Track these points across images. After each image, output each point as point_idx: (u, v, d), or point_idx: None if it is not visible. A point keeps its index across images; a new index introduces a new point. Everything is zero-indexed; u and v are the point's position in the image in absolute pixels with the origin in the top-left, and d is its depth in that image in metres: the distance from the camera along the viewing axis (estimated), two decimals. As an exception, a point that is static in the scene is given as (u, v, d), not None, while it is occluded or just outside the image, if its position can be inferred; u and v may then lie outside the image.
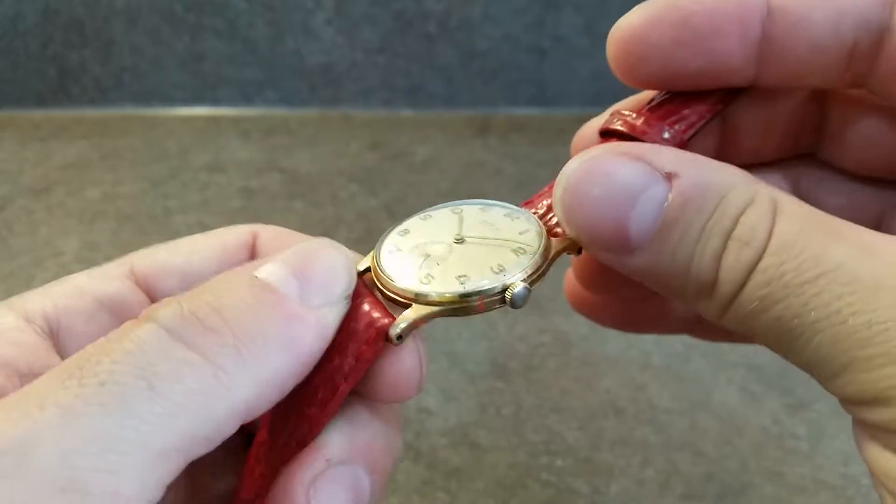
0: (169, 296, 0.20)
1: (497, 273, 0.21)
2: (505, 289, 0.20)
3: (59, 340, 0.21)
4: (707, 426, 0.45)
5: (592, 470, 0.42)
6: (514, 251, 0.21)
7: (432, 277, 0.21)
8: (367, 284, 0.22)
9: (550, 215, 0.23)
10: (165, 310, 0.17)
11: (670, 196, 0.19)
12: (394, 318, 0.20)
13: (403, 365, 0.22)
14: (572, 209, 0.20)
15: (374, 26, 0.87)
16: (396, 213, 0.68)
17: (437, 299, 0.20)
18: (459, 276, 0.21)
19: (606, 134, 0.24)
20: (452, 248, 0.22)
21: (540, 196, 0.24)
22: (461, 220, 0.23)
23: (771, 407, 0.47)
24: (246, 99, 0.89)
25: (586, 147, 0.22)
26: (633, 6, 0.24)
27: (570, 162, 0.20)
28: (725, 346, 0.50)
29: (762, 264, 0.18)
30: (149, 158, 0.78)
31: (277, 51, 0.88)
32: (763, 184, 0.19)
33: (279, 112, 0.89)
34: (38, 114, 0.88)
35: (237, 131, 0.84)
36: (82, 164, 0.77)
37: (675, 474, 0.42)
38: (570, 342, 0.51)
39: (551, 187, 0.22)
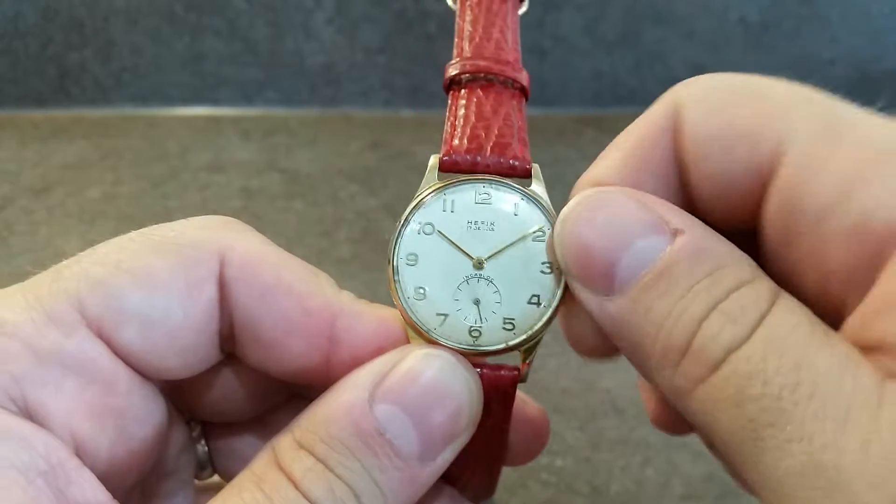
0: (128, 348, 0.20)
1: (537, 305, 0.21)
2: (553, 312, 0.21)
3: (35, 420, 0.19)
4: (707, 426, 0.45)
5: (592, 470, 0.42)
6: (535, 252, 0.21)
7: (479, 332, 0.21)
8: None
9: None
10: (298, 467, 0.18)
11: (668, 248, 0.18)
12: (515, 373, 0.21)
13: (537, 428, 0.24)
14: (572, 230, 0.19)
15: (374, 26, 0.87)
16: (396, 213, 0.68)
17: (494, 350, 0.21)
18: (505, 323, 0.21)
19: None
20: (479, 279, 0.21)
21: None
22: (462, 228, 0.22)
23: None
24: (246, 99, 0.89)
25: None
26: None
27: (585, 191, 0.20)
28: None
29: (745, 350, 0.16)
30: (149, 158, 0.78)
31: (277, 51, 0.88)
32: (767, 277, 0.18)
33: (279, 112, 0.89)
34: (38, 114, 0.87)
35: (237, 131, 0.84)
36: (82, 164, 0.77)
37: (675, 474, 0.42)
38: (570, 342, 0.51)
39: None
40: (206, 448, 0.25)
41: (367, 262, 0.61)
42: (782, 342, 0.16)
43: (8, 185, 0.73)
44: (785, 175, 0.18)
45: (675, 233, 0.18)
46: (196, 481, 0.25)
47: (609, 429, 0.45)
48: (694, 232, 0.18)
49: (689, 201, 0.20)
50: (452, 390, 0.20)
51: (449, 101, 0.23)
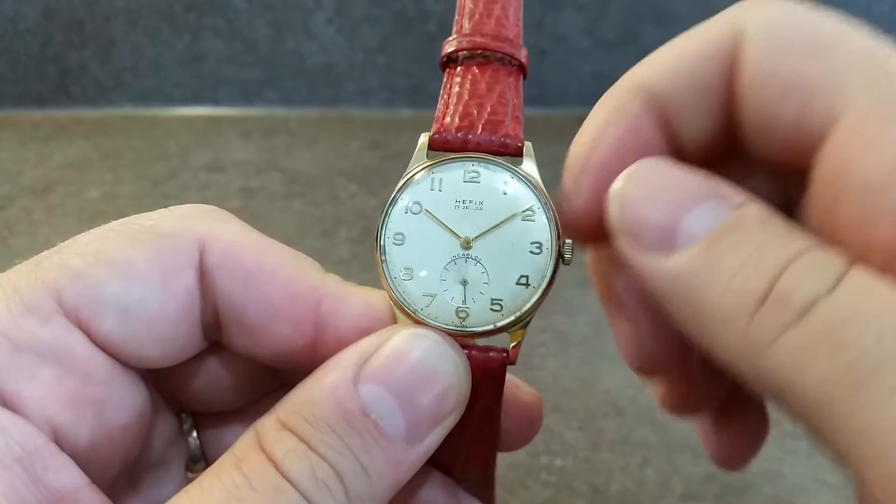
0: (106, 337, 0.20)
1: (525, 286, 0.21)
2: (542, 294, 0.20)
3: (10, 408, 0.19)
4: (707, 426, 0.45)
5: (592, 470, 0.42)
6: (525, 232, 0.21)
7: (467, 313, 0.21)
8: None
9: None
10: (281, 450, 0.18)
11: (737, 211, 0.17)
12: (504, 355, 0.21)
13: (529, 410, 0.23)
14: (631, 190, 0.18)
15: (374, 26, 0.87)
16: (396, 213, 0.68)
17: (481, 331, 0.21)
18: (493, 304, 0.21)
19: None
20: (466, 259, 0.21)
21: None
22: (450, 207, 0.21)
23: (770, 406, 0.47)
24: (246, 99, 0.89)
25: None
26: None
27: (643, 160, 0.19)
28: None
29: (839, 294, 0.15)
30: (149, 158, 0.78)
31: (277, 51, 0.88)
32: None
33: (279, 112, 0.89)
34: (38, 114, 0.88)
35: (237, 131, 0.84)
36: (82, 164, 0.77)
37: (675, 474, 0.42)
38: (570, 342, 0.51)
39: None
40: (198, 440, 0.25)
41: (366, 262, 0.61)
42: (875, 288, 0.15)
43: (8, 185, 0.73)
44: (836, 143, 0.17)
45: (739, 204, 0.18)
46: (189, 474, 0.25)
47: (609, 429, 0.45)
48: (760, 203, 0.18)
49: (733, 130, 0.20)
50: (439, 371, 0.19)
51: (444, 79, 0.23)
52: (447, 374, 0.19)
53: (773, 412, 0.29)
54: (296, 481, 0.17)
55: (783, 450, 0.43)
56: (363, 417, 0.18)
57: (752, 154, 0.20)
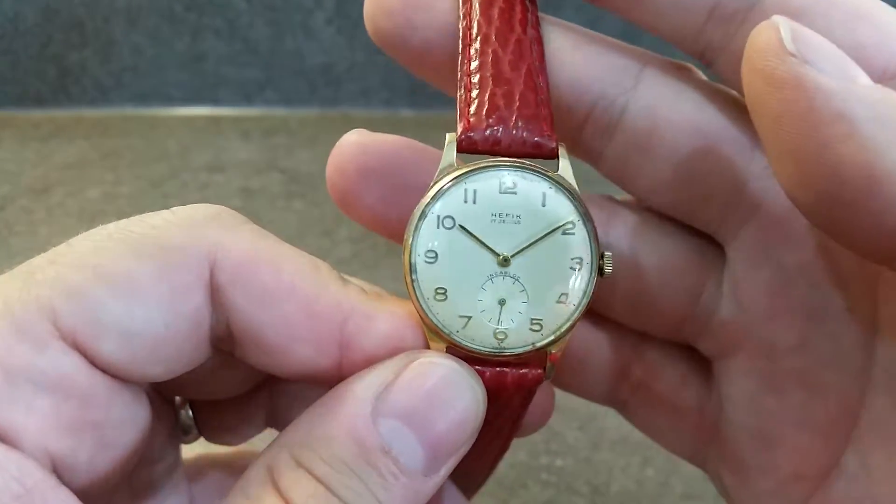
0: (107, 360, 0.18)
1: (564, 304, 0.20)
2: (581, 311, 0.20)
3: (7, 441, 0.17)
4: (707, 426, 0.45)
5: (592, 470, 0.42)
6: (565, 247, 0.20)
7: (505, 334, 0.20)
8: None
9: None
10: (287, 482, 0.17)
11: None
12: (540, 371, 0.20)
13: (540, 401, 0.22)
14: (801, 28, 0.17)
15: (374, 26, 0.87)
16: (396, 213, 0.68)
17: (520, 352, 0.20)
18: (532, 324, 0.20)
19: None
20: (504, 277, 0.20)
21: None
22: (485, 221, 0.20)
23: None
24: (246, 99, 0.89)
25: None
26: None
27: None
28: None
29: None
30: (149, 158, 0.78)
31: (277, 51, 0.88)
32: None
33: (279, 112, 0.89)
34: (38, 114, 0.87)
35: (237, 131, 0.84)
36: (82, 164, 0.77)
37: (675, 474, 0.42)
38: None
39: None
40: (191, 413, 0.25)
41: (367, 261, 0.62)
42: None
43: (8, 185, 0.73)
44: None
45: None
46: (183, 446, 0.25)
47: (609, 429, 0.45)
48: None
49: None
50: (458, 400, 0.19)
51: (461, 16, 0.21)
52: (466, 403, 0.19)
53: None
54: None
55: (783, 450, 0.43)
56: (383, 455, 0.18)
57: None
